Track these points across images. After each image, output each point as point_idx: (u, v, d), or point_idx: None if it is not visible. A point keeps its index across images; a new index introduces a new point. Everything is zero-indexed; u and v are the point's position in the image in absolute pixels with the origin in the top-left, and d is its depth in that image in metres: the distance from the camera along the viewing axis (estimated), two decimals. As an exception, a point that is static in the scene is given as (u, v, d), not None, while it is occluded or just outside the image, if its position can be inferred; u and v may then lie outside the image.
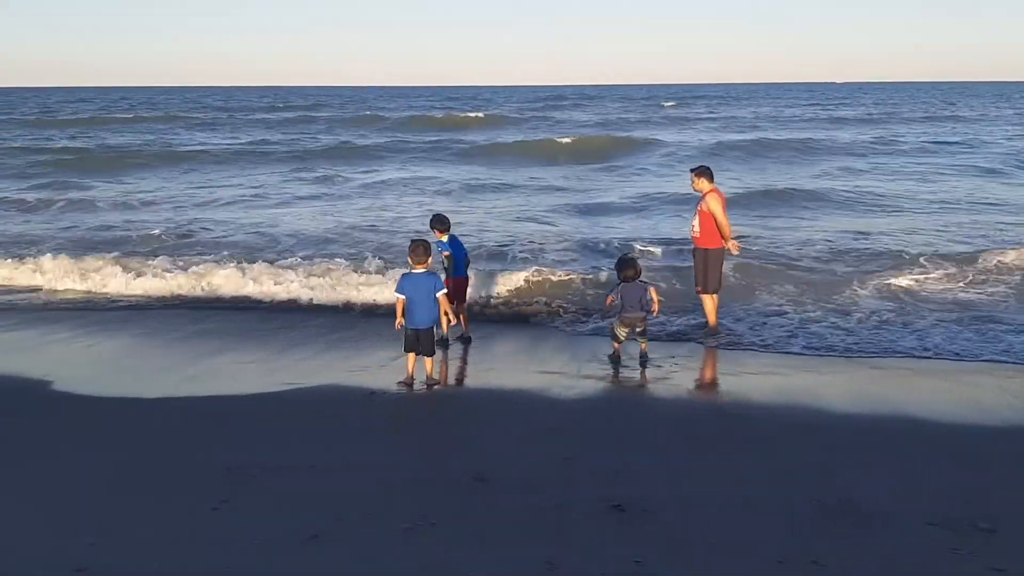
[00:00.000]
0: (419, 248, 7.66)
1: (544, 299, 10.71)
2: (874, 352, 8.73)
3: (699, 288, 9.60)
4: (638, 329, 8.42)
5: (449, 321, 7.99)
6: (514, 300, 10.81)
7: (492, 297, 10.86)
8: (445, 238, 9.10)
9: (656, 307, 8.44)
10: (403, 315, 7.62)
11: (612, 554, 4.69)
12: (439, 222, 9.14)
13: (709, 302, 9.58)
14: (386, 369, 8.23)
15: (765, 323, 9.79)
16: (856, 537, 4.87)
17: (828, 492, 5.45)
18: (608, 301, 8.64)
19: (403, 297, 7.59)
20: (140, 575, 4.55)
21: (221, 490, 5.55)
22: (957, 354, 8.63)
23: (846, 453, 6.17)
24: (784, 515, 5.16)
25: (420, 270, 7.65)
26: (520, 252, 13.64)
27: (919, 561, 4.62)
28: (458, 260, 9.18)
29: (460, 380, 8.26)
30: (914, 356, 8.61)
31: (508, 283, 11.18)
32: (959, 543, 4.76)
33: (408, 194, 21.57)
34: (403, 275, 7.80)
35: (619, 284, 8.48)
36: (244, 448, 6.35)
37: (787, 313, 10.18)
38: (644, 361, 8.38)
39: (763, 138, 34.61)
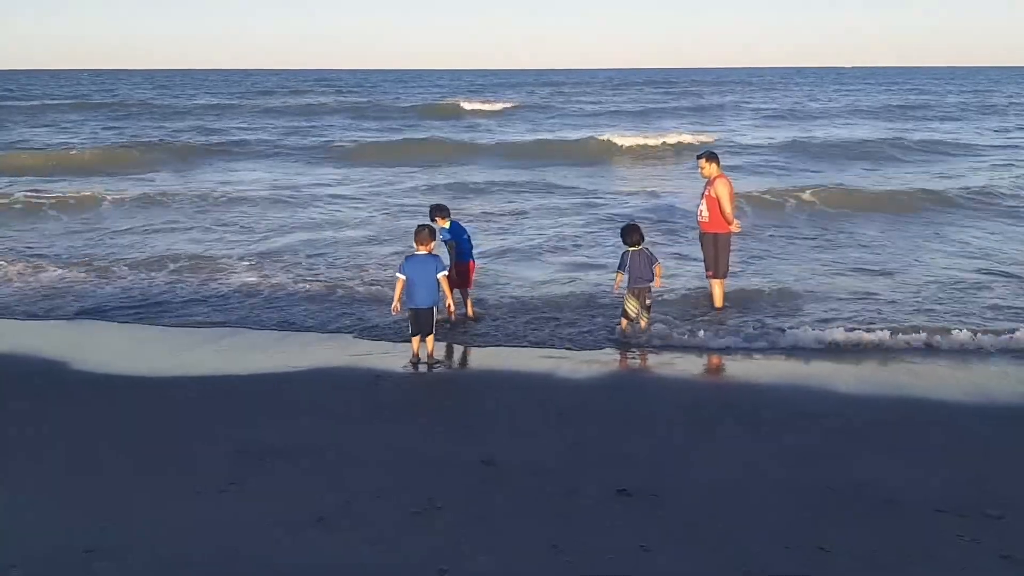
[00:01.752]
0: (423, 231, 7.86)
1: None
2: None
3: (710, 273, 9.66)
4: (647, 302, 8.71)
5: (449, 305, 8.10)
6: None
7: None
8: (447, 225, 9.25)
9: (658, 280, 8.78)
10: (401, 297, 7.77)
11: (618, 539, 4.69)
12: (439, 210, 9.33)
13: (718, 287, 9.62)
14: (391, 354, 8.24)
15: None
16: (863, 523, 4.86)
17: (836, 478, 5.45)
18: (616, 281, 8.88)
19: (403, 278, 7.75)
20: (148, 557, 4.57)
21: (229, 472, 5.57)
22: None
23: (854, 439, 6.15)
24: (791, 501, 5.16)
25: (422, 251, 7.79)
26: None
27: (926, 547, 4.61)
28: (462, 245, 9.31)
29: (467, 363, 8.26)
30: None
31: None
32: (967, 530, 4.75)
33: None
34: (406, 257, 7.92)
35: (625, 252, 8.76)
36: (251, 430, 6.37)
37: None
38: (645, 340, 8.56)
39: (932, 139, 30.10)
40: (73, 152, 27.22)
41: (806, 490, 5.30)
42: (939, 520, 4.88)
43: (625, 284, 8.74)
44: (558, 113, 45.96)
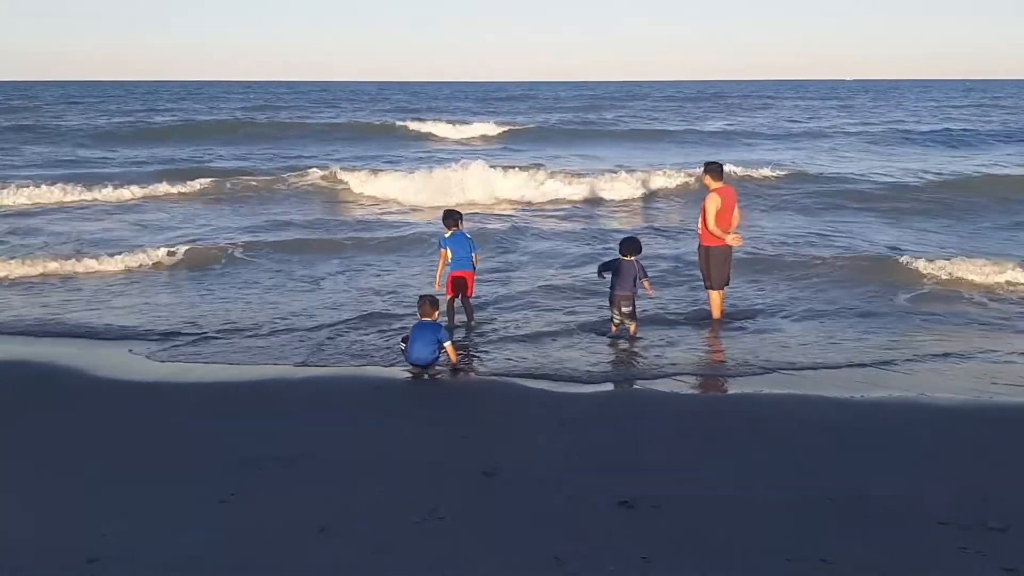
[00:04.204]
0: (425, 303, 8.32)
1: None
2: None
3: (706, 284, 9.78)
4: (624, 309, 9.03)
5: (454, 364, 8.19)
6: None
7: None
8: (449, 234, 9.54)
9: (652, 292, 9.31)
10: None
11: (620, 551, 4.68)
12: (449, 216, 9.65)
13: (716, 297, 9.71)
14: (393, 366, 8.25)
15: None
16: (865, 535, 4.85)
17: (839, 490, 5.44)
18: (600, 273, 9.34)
19: (404, 346, 8.15)
20: (151, 566, 4.57)
21: (230, 481, 5.57)
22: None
23: (857, 450, 6.14)
24: (793, 513, 5.15)
25: (426, 320, 8.20)
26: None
27: (929, 560, 4.61)
28: (459, 255, 9.51)
29: (468, 374, 8.27)
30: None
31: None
32: (970, 542, 4.74)
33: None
34: (413, 326, 8.29)
35: (617, 259, 9.15)
36: (252, 439, 6.37)
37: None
38: (632, 341, 8.93)
39: None
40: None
41: (808, 501, 5.29)
42: (942, 532, 4.87)
43: (609, 289, 9.10)
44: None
